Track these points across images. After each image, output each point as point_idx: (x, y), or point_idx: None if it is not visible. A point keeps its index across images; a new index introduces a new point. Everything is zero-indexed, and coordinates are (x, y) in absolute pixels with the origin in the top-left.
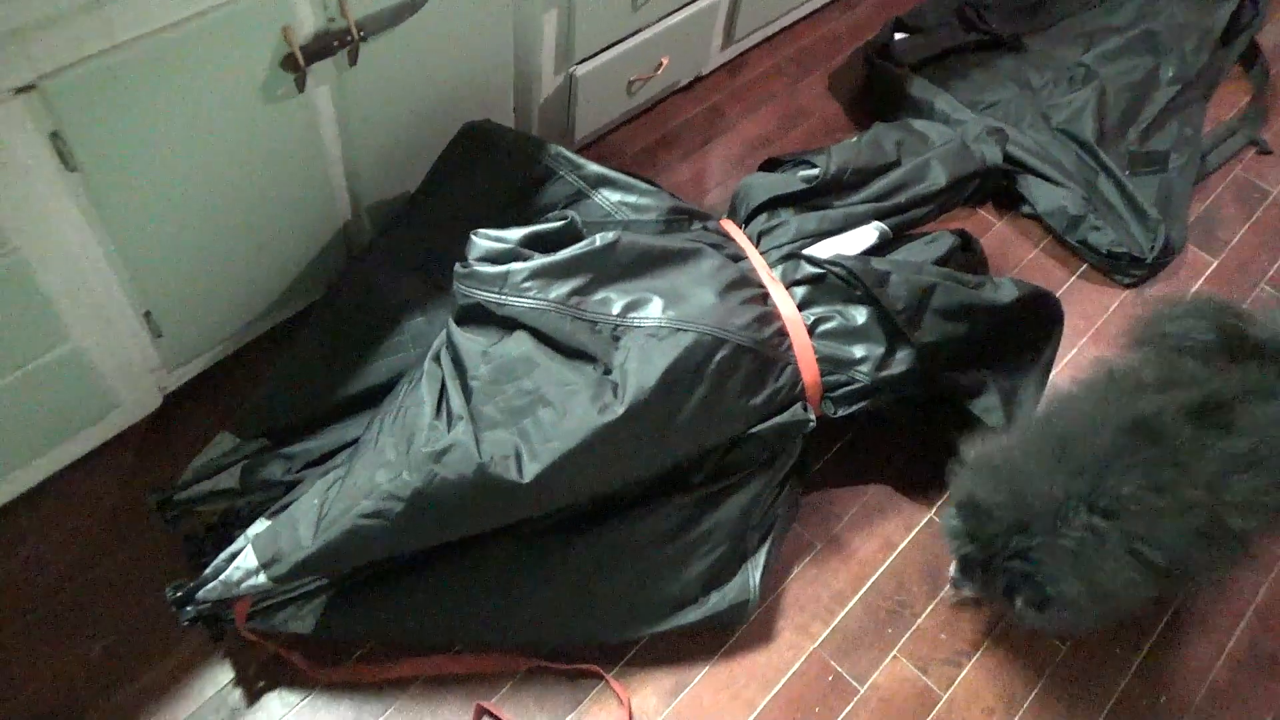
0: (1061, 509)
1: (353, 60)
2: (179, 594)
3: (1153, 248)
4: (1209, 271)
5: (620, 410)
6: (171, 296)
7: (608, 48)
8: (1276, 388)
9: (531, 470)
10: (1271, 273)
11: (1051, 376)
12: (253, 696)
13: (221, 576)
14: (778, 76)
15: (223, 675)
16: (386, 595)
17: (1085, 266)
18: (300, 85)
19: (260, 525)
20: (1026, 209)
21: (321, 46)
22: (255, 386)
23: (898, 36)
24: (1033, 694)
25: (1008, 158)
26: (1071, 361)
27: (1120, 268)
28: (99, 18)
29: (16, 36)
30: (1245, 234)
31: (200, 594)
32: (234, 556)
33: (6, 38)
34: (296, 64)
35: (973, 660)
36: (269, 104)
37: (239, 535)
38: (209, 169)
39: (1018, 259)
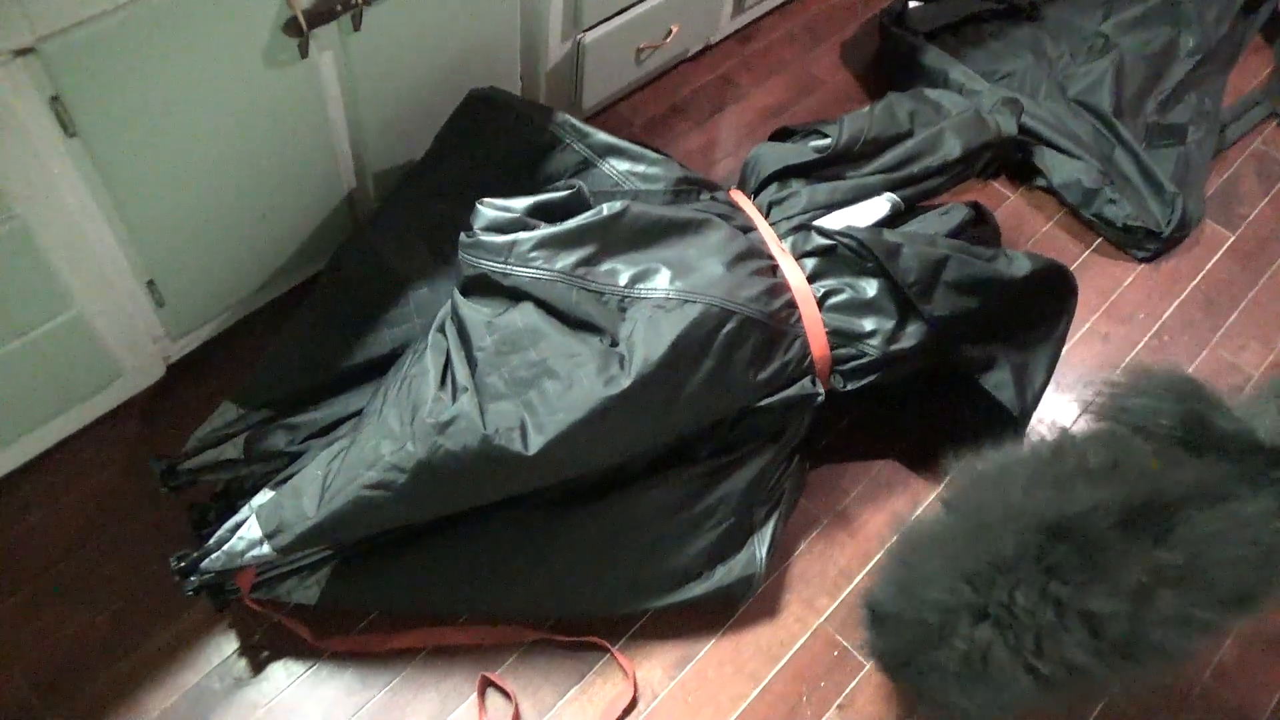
0: (948, 619)
1: (356, 25)
2: (183, 564)
3: (1169, 221)
4: (1226, 245)
5: (627, 382)
6: (174, 265)
7: (616, 14)
8: (1229, 491)
9: (537, 442)
10: None
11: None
12: (257, 666)
13: (225, 547)
14: (789, 45)
15: (227, 644)
16: (391, 566)
17: (1100, 240)
18: (303, 51)
19: (264, 496)
20: (1041, 181)
21: (324, 10)
22: (259, 356)
23: (912, 4)
24: None
25: (1023, 129)
26: (1084, 337)
27: (1136, 241)
28: None
29: None
30: (1264, 208)
31: (204, 564)
32: (238, 527)
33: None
34: (299, 28)
35: None
36: (271, 69)
37: (243, 505)
38: (211, 136)
39: (1032, 232)
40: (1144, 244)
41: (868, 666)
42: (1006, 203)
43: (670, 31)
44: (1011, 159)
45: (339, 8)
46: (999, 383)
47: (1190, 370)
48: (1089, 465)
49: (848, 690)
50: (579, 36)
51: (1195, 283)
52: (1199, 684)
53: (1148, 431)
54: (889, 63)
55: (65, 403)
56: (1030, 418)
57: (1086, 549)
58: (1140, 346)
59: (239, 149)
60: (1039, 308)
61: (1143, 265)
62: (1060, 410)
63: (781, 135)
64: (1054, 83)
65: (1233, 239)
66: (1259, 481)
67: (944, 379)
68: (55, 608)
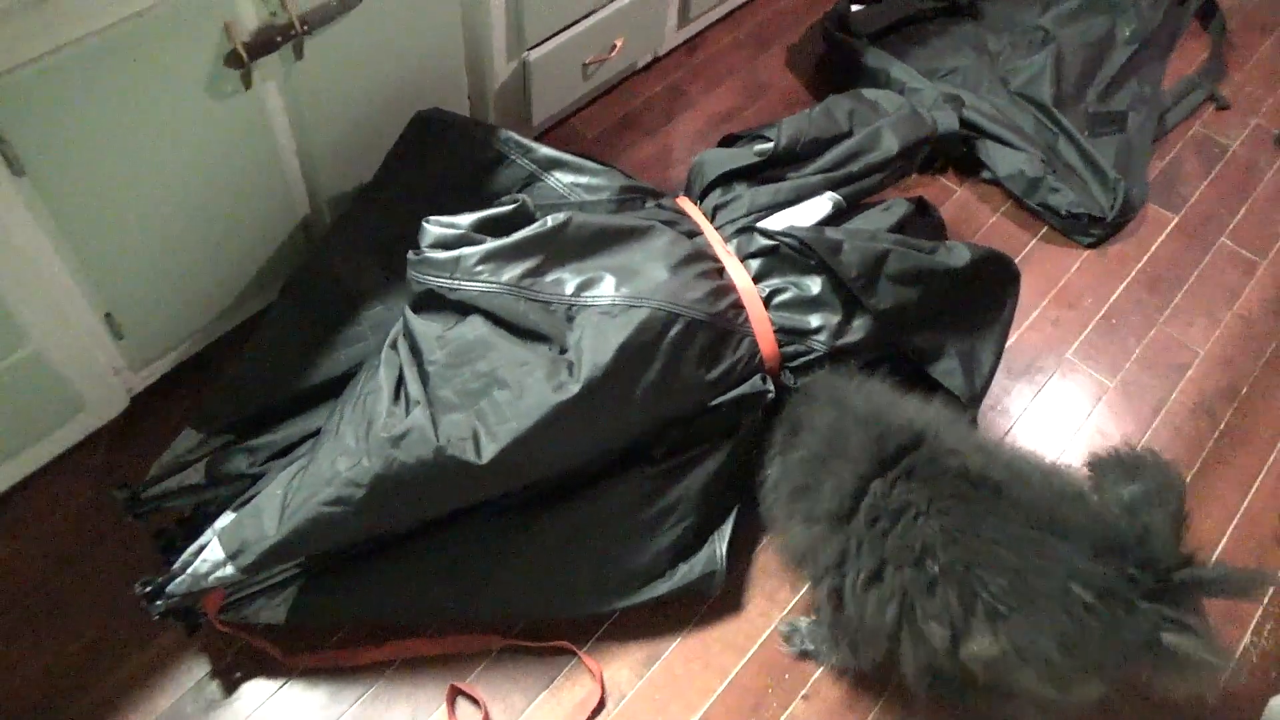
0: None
1: (299, 54)
2: (148, 589)
3: (1113, 207)
4: (1170, 227)
5: (576, 388)
6: (131, 297)
7: (560, 31)
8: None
9: (490, 451)
10: (1233, 225)
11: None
12: (230, 686)
13: (189, 569)
14: (736, 52)
15: (199, 667)
16: (357, 580)
17: (1046, 229)
18: (246, 81)
19: (227, 518)
20: (986, 174)
21: (265, 41)
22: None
23: (855, 8)
24: None
25: (966, 123)
26: (1034, 323)
27: (1081, 228)
28: (38, 18)
29: None
30: (1205, 189)
31: (170, 587)
32: (202, 549)
33: None
34: (240, 60)
35: None
36: (216, 101)
37: (208, 529)
38: (160, 168)
39: (979, 224)
40: (1089, 230)
41: (829, 660)
42: (954, 196)
43: (616, 45)
44: (956, 153)
45: (279, 38)
46: (947, 370)
47: (1139, 352)
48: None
49: (812, 680)
50: (524, 55)
51: (1141, 265)
52: None
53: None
54: (833, 66)
55: (28, 438)
56: (980, 402)
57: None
58: (1089, 329)
59: (189, 180)
60: (982, 296)
61: (1089, 251)
62: (1011, 394)
63: (729, 141)
64: (996, 77)
65: (1176, 220)
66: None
67: (896, 368)
68: (27, 639)
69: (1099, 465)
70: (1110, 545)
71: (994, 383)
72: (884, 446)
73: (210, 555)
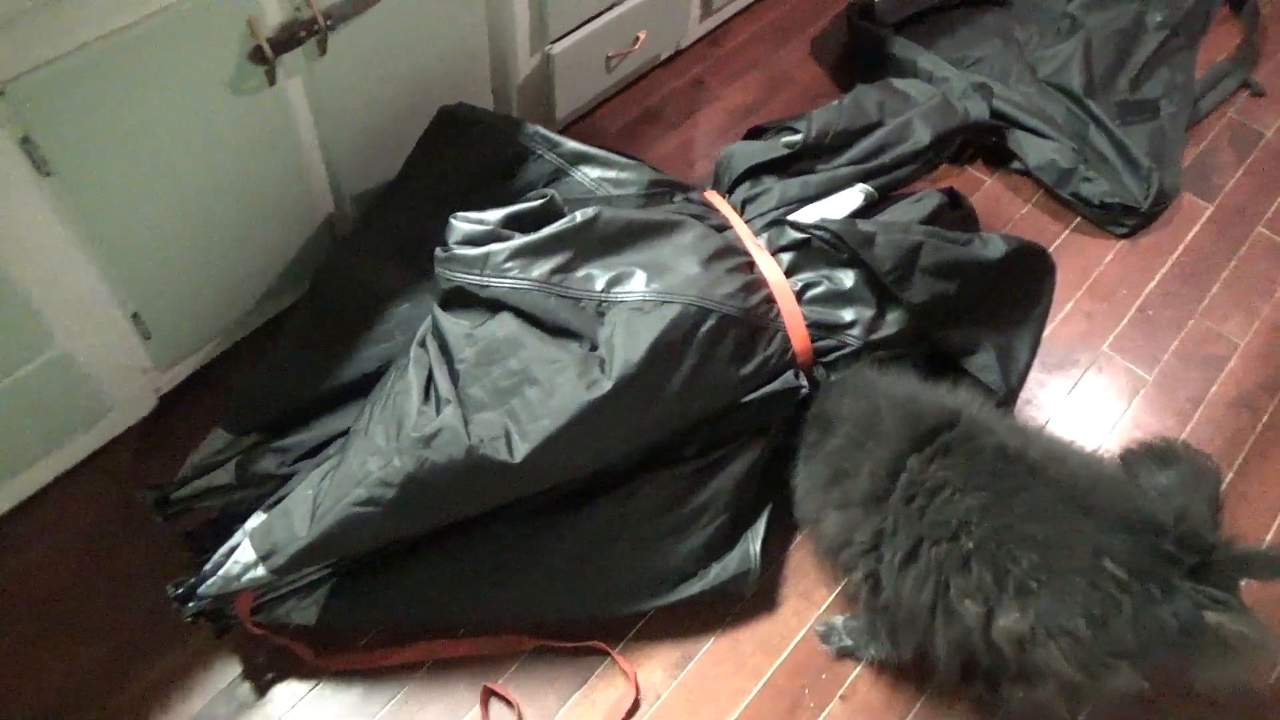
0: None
1: (322, 50)
2: (180, 590)
3: (1146, 196)
4: (1204, 217)
5: (608, 385)
6: (158, 296)
7: (583, 24)
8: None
9: (522, 450)
10: (1269, 214)
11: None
12: (261, 689)
13: (221, 571)
14: (759, 44)
15: (230, 669)
16: (387, 581)
17: (1079, 219)
18: (270, 78)
19: (257, 519)
20: (1017, 165)
21: (289, 37)
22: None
23: None
24: None
25: (995, 113)
26: (1068, 316)
27: (1114, 218)
28: (60, 19)
29: None
30: (1240, 178)
31: (201, 589)
32: (233, 551)
33: None
34: (264, 56)
35: None
36: (240, 98)
37: (238, 530)
38: (185, 167)
39: (1010, 215)
40: (1122, 220)
41: (869, 655)
42: (983, 188)
43: (638, 38)
44: (986, 144)
45: (303, 33)
46: (983, 365)
47: (1175, 344)
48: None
49: (850, 680)
50: (547, 48)
51: (1176, 255)
52: None
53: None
54: (858, 56)
55: (57, 440)
56: (1017, 397)
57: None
58: (1124, 322)
59: (214, 179)
60: (1018, 288)
61: (1122, 242)
62: (1046, 388)
63: (754, 134)
64: (1024, 65)
65: (1211, 210)
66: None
67: (930, 363)
68: (56, 643)
69: (1131, 457)
70: (1147, 525)
71: (1028, 377)
72: (919, 425)
73: (242, 557)
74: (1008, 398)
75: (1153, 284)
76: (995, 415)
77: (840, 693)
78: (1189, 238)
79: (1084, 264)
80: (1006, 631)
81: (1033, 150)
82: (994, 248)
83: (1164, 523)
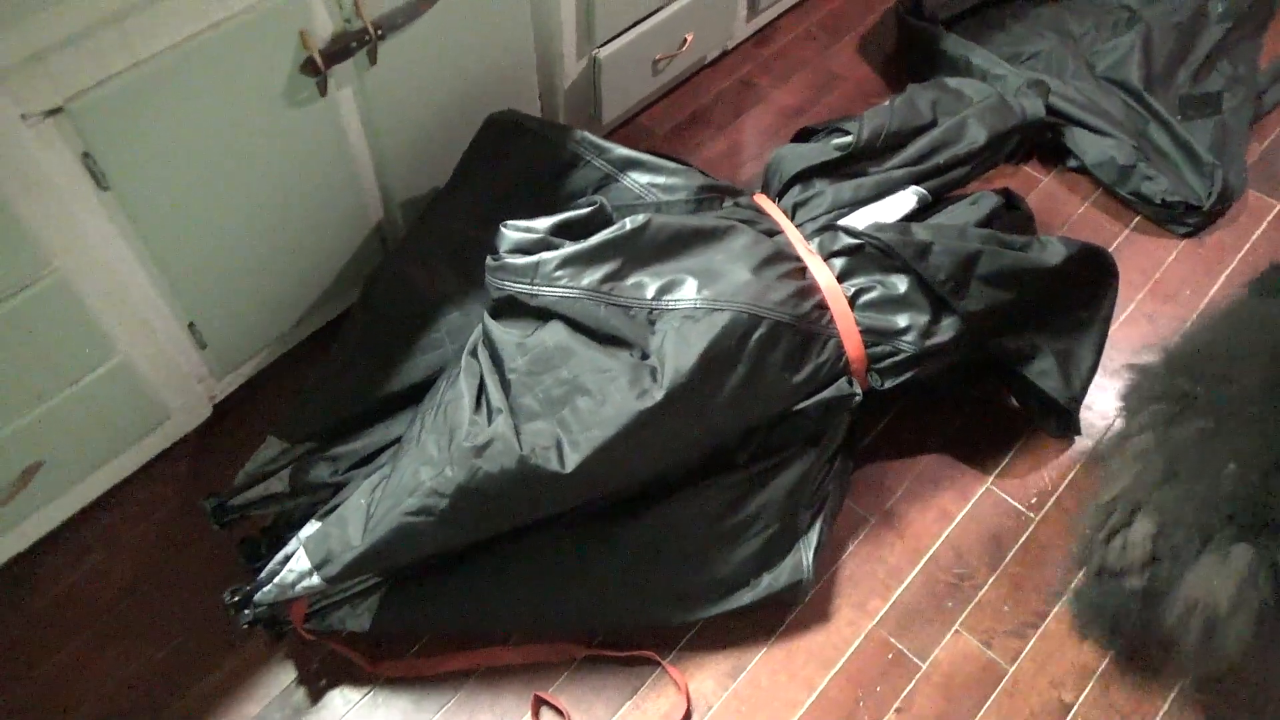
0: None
1: (373, 60)
2: (236, 598)
3: (1210, 194)
4: (1272, 214)
5: (660, 395)
6: (213, 306)
7: (629, 28)
8: None
9: (573, 460)
10: None
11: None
12: (315, 695)
13: (276, 579)
14: (807, 43)
15: (285, 675)
16: (439, 589)
17: (1139, 218)
18: (322, 89)
19: (311, 527)
20: (1074, 162)
21: (340, 48)
22: (301, 390)
23: None
24: (1103, 664)
25: (1051, 110)
26: (1129, 318)
27: (1176, 217)
28: (118, 36)
29: (39, 59)
30: None
31: (257, 597)
32: (287, 559)
33: (30, 61)
34: (316, 68)
35: (1039, 631)
36: (293, 109)
37: (291, 538)
38: (239, 178)
39: (1067, 215)
40: (1185, 219)
41: (924, 667)
42: (1040, 186)
43: (685, 40)
44: (1042, 141)
45: (354, 44)
46: (1043, 371)
47: None
48: None
49: (905, 693)
50: (594, 52)
51: (1241, 255)
52: None
53: None
54: (908, 54)
55: (117, 447)
56: (1080, 404)
57: None
58: (1188, 324)
59: (267, 189)
60: (1078, 292)
61: (1185, 241)
62: (1107, 393)
63: (804, 135)
64: (1081, 61)
65: (1279, 207)
66: None
67: (985, 368)
68: (118, 647)
69: None
70: None
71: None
72: None
73: (296, 565)
74: (1070, 404)
75: (1218, 285)
76: None
77: (896, 705)
78: (1255, 236)
79: (1145, 265)
80: None
81: (1091, 147)
82: (1053, 252)
83: None
